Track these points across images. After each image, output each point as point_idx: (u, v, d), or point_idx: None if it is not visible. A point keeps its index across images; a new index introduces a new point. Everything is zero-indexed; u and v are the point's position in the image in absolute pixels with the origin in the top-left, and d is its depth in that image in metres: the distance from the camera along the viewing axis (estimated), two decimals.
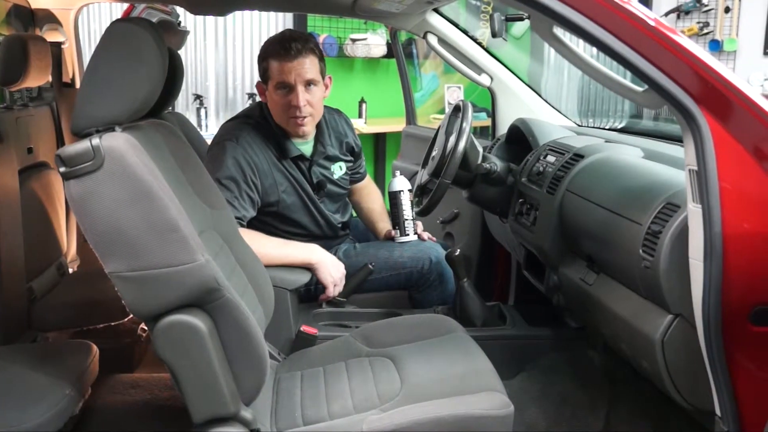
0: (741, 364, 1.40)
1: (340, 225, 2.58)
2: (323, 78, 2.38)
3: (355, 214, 2.85)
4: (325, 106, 2.50)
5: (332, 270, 2.34)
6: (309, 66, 2.31)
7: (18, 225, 2.36)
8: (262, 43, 2.41)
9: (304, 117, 2.34)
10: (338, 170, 2.58)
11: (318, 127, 2.48)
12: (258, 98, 2.62)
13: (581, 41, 1.43)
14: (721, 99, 1.35)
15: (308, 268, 2.32)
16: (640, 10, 1.38)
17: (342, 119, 2.63)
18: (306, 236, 2.47)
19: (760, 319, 1.38)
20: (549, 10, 1.36)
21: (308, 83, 2.32)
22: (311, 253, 2.33)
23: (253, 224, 2.35)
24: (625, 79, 1.60)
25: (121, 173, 1.40)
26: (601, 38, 1.36)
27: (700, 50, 1.37)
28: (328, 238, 2.54)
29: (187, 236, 1.44)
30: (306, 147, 2.46)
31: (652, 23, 1.37)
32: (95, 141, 1.39)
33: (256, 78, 2.45)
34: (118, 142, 1.41)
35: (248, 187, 2.30)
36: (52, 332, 2.67)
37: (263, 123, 2.42)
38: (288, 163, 2.42)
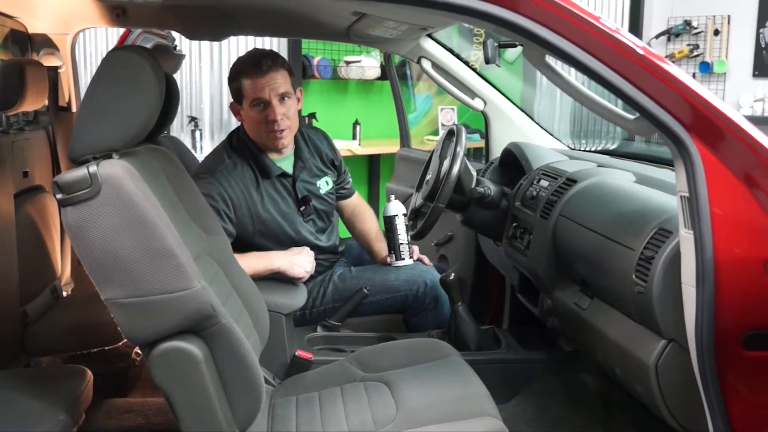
0: (734, 389, 1.40)
1: (325, 246, 2.56)
2: (295, 91, 2.42)
3: (350, 235, 2.85)
4: (306, 126, 2.51)
5: (297, 269, 2.33)
6: (281, 80, 2.35)
7: (13, 248, 2.36)
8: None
9: (282, 130, 2.37)
10: (324, 185, 2.58)
11: (297, 144, 2.51)
12: None
13: (573, 69, 1.45)
14: (711, 126, 1.37)
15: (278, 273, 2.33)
16: (629, 39, 1.40)
17: (321, 136, 2.66)
18: None
19: (752, 343, 1.39)
20: (541, 39, 1.38)
21: (282, 97, 2.36)
22: (272, 261, 2.33)
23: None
24: (617, 106, 1.62)
25: (118, 200, 1.41)
26: (593, 67, 1.38)
27: (689, 78, 1.39)
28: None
29: (183, 263, 1.45)
30: (286, 163, 2.48)
31: (641, 51, 1.39)
32: (92, 168, 1.40)
33: None
34: (115, 170, 1.42)
35: (222, 220, 2.28)
36: (46, 356, 2.65)
37: (240, 147, 2.44)
38: (271, 183, 2.43)
